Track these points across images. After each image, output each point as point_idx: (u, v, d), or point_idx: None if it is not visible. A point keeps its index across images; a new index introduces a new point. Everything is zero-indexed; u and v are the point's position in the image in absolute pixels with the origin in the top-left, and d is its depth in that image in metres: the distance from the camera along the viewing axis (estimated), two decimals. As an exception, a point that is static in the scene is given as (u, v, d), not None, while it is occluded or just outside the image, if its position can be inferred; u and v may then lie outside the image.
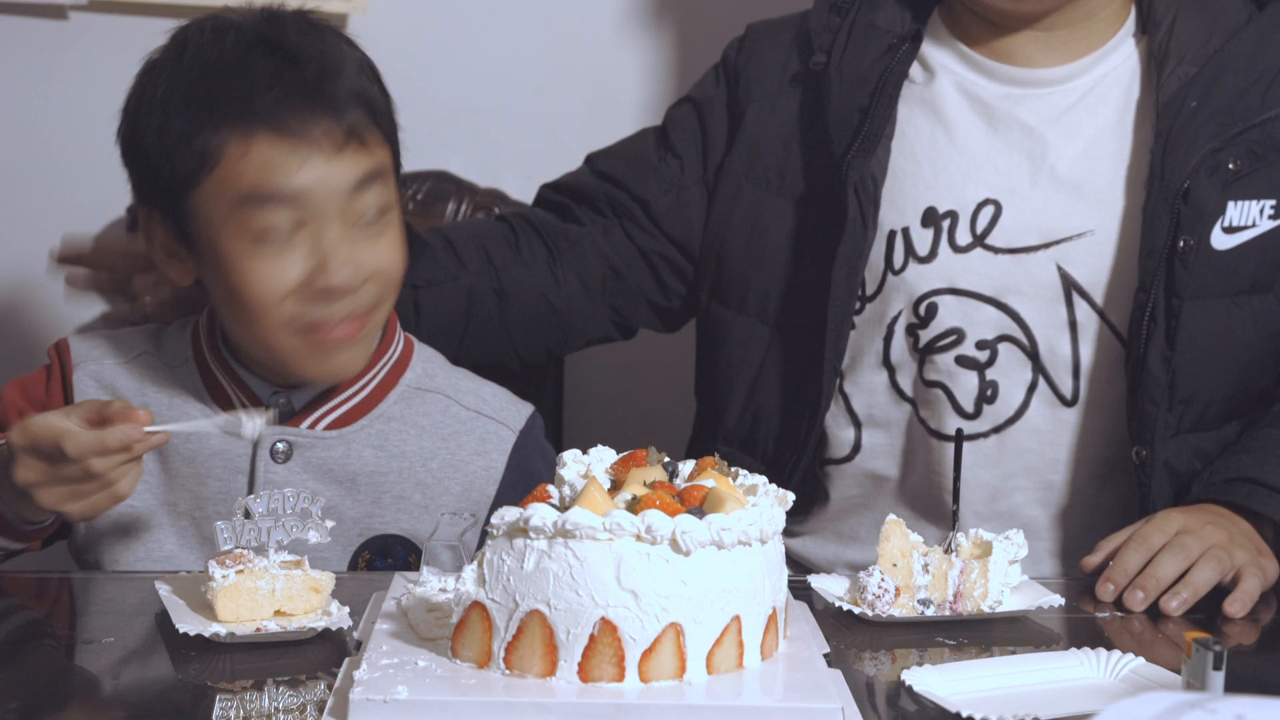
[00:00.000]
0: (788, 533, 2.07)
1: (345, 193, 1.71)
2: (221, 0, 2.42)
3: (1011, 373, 1.96)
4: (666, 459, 1.50)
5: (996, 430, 1.97)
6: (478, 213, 2.43)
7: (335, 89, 1.72)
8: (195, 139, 1.70)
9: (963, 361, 1.96)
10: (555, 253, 2.12)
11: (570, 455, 1.52)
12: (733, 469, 1.51)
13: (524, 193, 2.39)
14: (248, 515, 1.54)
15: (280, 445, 1.80)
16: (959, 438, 1.78)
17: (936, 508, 2.00)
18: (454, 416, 1.88)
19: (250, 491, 1.79)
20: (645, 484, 1.43)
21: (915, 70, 2.02)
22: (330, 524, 1.58)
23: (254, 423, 1.65)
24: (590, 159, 2.19)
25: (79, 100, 2.47)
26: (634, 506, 1.37)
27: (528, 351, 2.14)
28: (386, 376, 1.87)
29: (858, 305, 1.99)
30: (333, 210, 1.71)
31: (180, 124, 1.72)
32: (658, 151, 2.13)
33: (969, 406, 1.96)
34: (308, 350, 1.76)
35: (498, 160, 2.53)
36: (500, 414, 1.90)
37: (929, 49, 2.03)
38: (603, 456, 1.52)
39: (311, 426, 1.82)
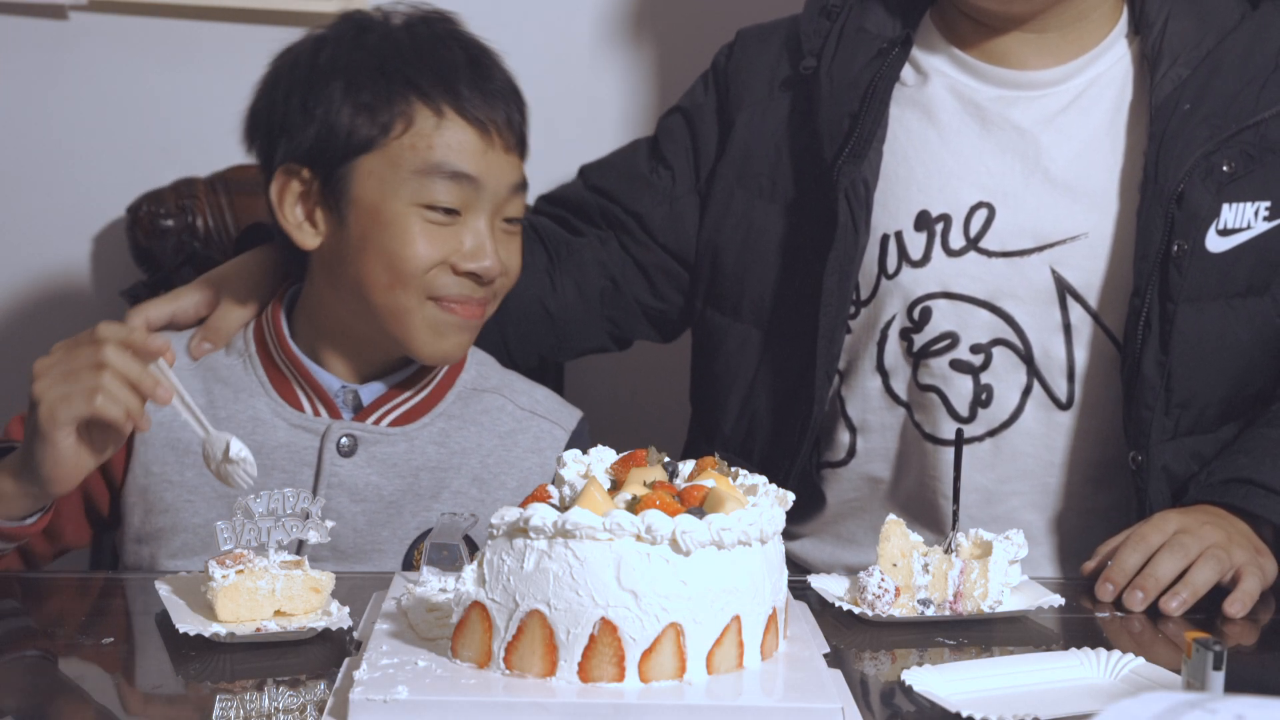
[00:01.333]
0: (785, 535, 2.08)
1: (507, 190, 1.84)
2: (219, 0, 2.43)
3: (1006, 376, 1.95)
4: (666, 459, 1.50)
5: (991, 434, 1.97)
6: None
7: (516, 96, 1.88)
8: (385, 108, 1.80)
9: (957, 365, 1.96)
10: (555, 259, 2.12)
11: (570, 455, 1.52)
12: (733, 469, 1.51)
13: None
14: (248, 515, 1.54)
15: (345, 440, 1.84)
16: (958, 438, 1.78)
17: (931, 511, 1.99)
18: (510, 415, 1.94)
19: (315, 485, 1.83)
20: (645, 484, 1.43)
21: (907, 73, 2.02)
22: (330, 524, 1.58)
23: (228, 453, 1.62)
24: (584, 171, 2.19)
25: (79, 100, 2.47)
26: (634, 506, 1.37)
27: (521, 355, 2.14)
28: (446, 376, 1.92)
29: (853, 310, 1.99)
30: (493, 203, 1.83)
31: (369, 94, 1.80)
32: (649, 163, 2.12)
33: (963, 410, 1.96)
34: (430, 325, 1.83)
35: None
36: (553, 414, 1.97)
37: (921, 52, 2.03)
38: (603, 456, 1.52)
39: (376, 423, 1.86)
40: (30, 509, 1.67)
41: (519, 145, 1.87)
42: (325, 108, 1.80)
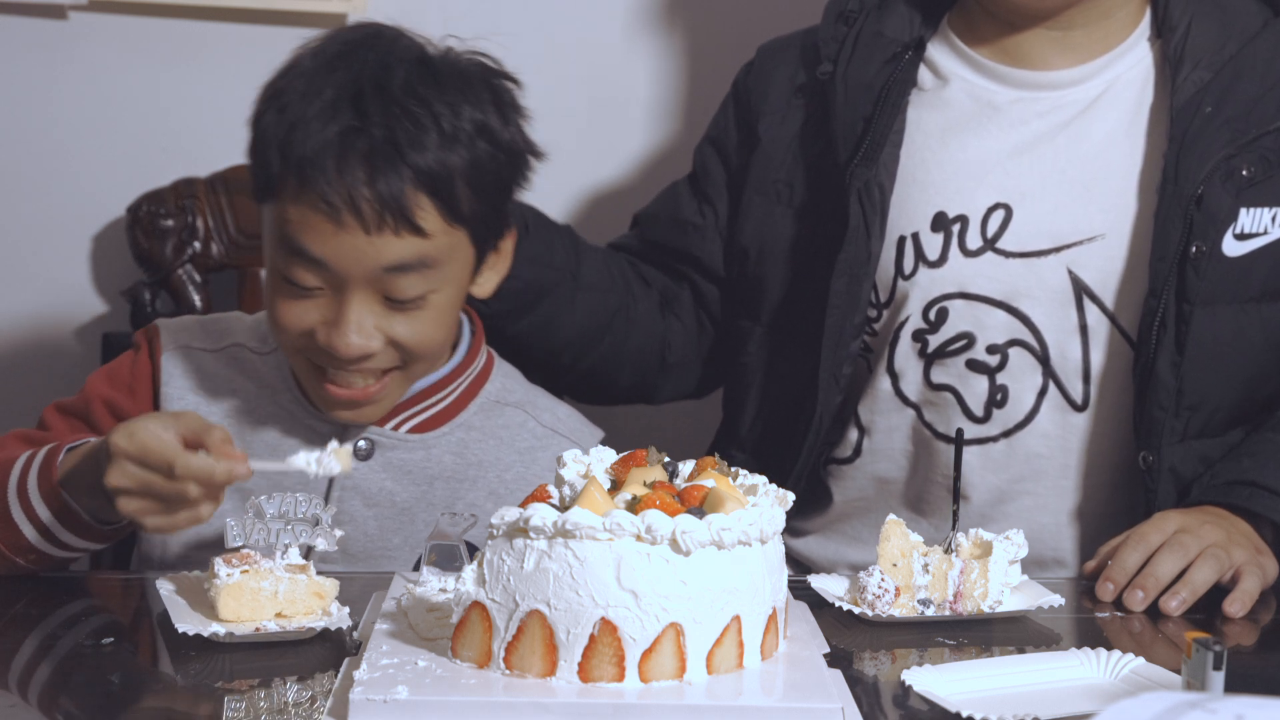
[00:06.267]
0: (792, 532, 2.08)
1: (377, 271, 1.67)
2: (219, 0, 2.43)
3: (1022, 377, 1.95)
4: (666, 459, 1.50)
5: (1006, 435, 1.96)
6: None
7: (394, 163, 1.65)
8: (267, 170, 1.68)
9: (973, 366, 1.96)
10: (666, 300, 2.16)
11: (570, 455, 1.52)
12: (733, 469, 1.51)
13: (526, 194, 2.38)
14: (259, 515, 1.54)
15: (362, 443, 1.84)
16: (959, 437, 1.78)
17: (942, 510, 1.99)
18: (530, 431, 1.92)
19: (328, 486, 1.82)
20: (645, 484, 1.43)
21: (925, 77, 2.02)
22: (339, 533, 1.57)
23: (332, 461, 1.58)
24: (638, 224, 2.19)
25: (79, 100, 2.47)
26: (634, 506, 1.37)
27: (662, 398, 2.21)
28: (469, 387, 1.90)
29: (874, 313, 1.99)
30: (360, 280, 1.68)
31: (263, 152, 1.69)
32: (693, 203, 2.14)
33: (978, 410, 1.96)
34: (317, 392, 1.78)
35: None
36: (574, 434, 1.93)
37: (939, 56, 2.02)
38: (603, 456, 1.52)
39: (395, 428, 1.85)
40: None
41: (399, 219, 1.64)
42: (257, 132, 1.68)
